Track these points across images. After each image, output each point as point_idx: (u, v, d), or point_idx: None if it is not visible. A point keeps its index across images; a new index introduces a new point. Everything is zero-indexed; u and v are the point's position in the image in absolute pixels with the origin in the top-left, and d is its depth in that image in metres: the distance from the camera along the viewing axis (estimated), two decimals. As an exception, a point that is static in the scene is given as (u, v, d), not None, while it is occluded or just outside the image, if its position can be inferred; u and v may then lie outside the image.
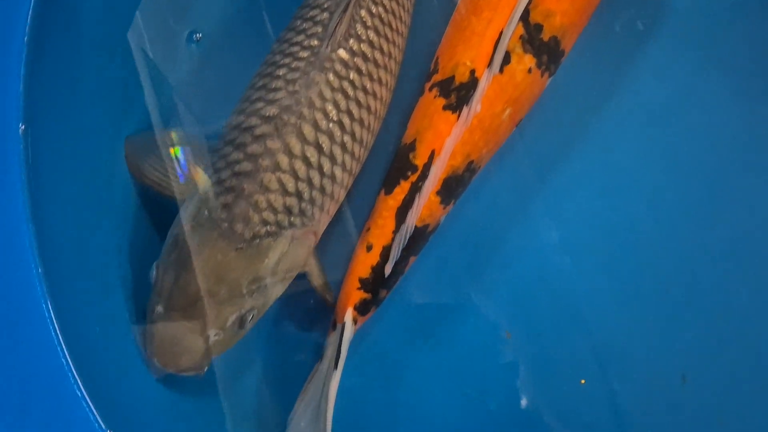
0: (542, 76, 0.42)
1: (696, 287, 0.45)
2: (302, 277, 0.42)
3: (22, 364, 0.33)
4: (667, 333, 0.45)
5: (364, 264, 0.41)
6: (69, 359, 0.33)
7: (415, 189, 0.40)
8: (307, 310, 0.45)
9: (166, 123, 0.45)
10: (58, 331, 0.34)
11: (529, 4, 0.40)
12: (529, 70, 0.41)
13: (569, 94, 0.46)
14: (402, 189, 0.41)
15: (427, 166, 0.40)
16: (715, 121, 0.47)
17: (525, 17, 0.40)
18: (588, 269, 0.46)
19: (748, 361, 0.45)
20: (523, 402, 0.45)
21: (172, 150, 0.42)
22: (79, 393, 0.33)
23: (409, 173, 0.40)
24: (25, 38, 0.36)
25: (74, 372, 0.33)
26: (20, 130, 0.36)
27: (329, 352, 0.40)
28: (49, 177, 0.37)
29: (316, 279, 0.42)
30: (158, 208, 0.43)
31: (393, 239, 0.40)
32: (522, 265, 0.45)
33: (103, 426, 0.33)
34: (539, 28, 0.41)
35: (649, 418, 0.45)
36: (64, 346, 0.34)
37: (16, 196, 0.35)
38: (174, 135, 0.43)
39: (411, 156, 0.41)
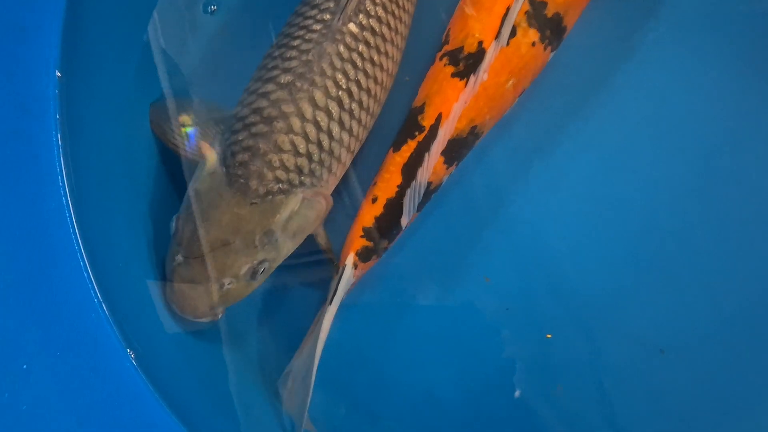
0: (545, 49, 0.44)
1: (678, 268, 0.48)
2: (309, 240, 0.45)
3: (55, 295, 0.36)
4: (648, 308, 0.48)
5: (368, 214, 0.44)
6: (97, 290, 0.37)
7: (422, 148, 0.43)
8: (314, 271, 0.48)
9: (183, 88, 0.47)
10: (88, 266, 0.37)
11: None
12: (533, 44, 0.44)
13: (572, 69, 0.48)
14: (409, 147, 0.43)
15: (434, 128, 0.43)
16: (706, 104, 0.49)
17: None
18: (579, 239, 0.48)
19: (723, 337, 0.47)
20: (515, 366, 0.47)
21: (182, 129, 0.44)
22: (103, 315, 0.36)
23: (417, 133, 0.43)
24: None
25: (101, 299, 0.36)
26: (57, 76, 0.39)
27: (330, 293, 0.43)
28: (81, 121, 0.40)
29: (322, 240, 0.45)
30: (177, 166, 0.45)
31: (397, 193, 0.43)
32: (518, 230, 0.48)
33: (124, 345, 0.36)
34: (544, 4, 0.43)
35: (631, 385, 0.47)
36: (93, 279, 0.37)
37: (51, 137, 0.38)
38: (189, 106, 0.45)
39: (420, 117, 0.43)
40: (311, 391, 0.41)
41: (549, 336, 0.46)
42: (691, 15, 0.50)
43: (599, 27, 0.49)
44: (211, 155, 0.41)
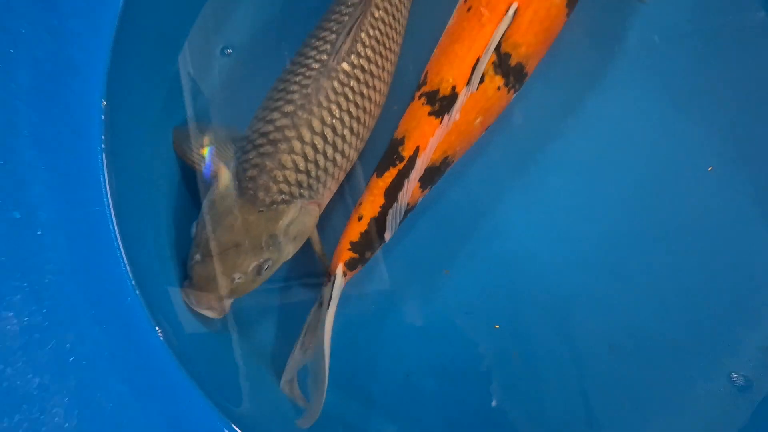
0: (509, 92, 0.52)
1: (628, 274, 0.55)
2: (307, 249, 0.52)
3: (99, 282, 0.44)
4: (599, 309, 0.55)
5: (355, 231, 0.51)
6: (132, 279, 0.45)
7: (402, 175, 0.50)
8: (309, 272, 0.55)
9: (203, 114, 0.55)
10: (125, 259, 0.45)
11: (501, 37, 0.51)
12: (498, 88, 0.51)
13: (535, 104, 0.57)
14: (390, 174, 0.51)
15: (413, 158, 0.50)
16: (654, 130, 0.57)
17: (497, 47, 0.50)
18: (540, 247, 0.56)
19: (667, 336, 0.54)
20: (483, 361, 0.55)
21: (202, 150, 0.51)
22: (137, 299, 0.45)
23: (398, 162, 0.51)
24: (112, 37, 0.47)
25: (135, 284, 0.45)
26: (102, 105, 0.47)
27: (325, 299, 0.50)
28: (121, 142, 0.48)
29: (317, 246, 0.53)
30: (195, 179, 0.53)
31: (380, 213, 0.50)
32: (488, 243, 0.55)
33: (154, 323, 0.45)
34: (508, 56, 0.51)
35: (584, 377, 0.54)
36: (130, 270, 0.45)
37: (97, 156, 0.46)
38: (208, 130, 0.53)
39: (400, 149, 0.51)
40: (326, 385, 0.48)
41: (497, 326, 0.54)
42: (637, 55, 0.58)
43: (561, 66, 0.57)
44: (224, 172, 0.49)
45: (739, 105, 0.57)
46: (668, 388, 0.53)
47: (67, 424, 0.37)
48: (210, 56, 0.56)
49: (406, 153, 0.50)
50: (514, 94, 0.53)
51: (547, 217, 0.56)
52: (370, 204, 0.50)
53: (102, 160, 0.46)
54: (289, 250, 0.50)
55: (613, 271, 0.55)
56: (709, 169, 0.56)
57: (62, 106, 0.45)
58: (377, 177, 0.51)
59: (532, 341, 0.54)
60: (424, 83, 0.52)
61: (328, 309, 0.49)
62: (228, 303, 0.48)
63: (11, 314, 0.38)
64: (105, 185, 0.46)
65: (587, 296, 0.55)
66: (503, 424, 0.53)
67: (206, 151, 0.51)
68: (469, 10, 0.52)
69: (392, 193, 0.50)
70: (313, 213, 0.50)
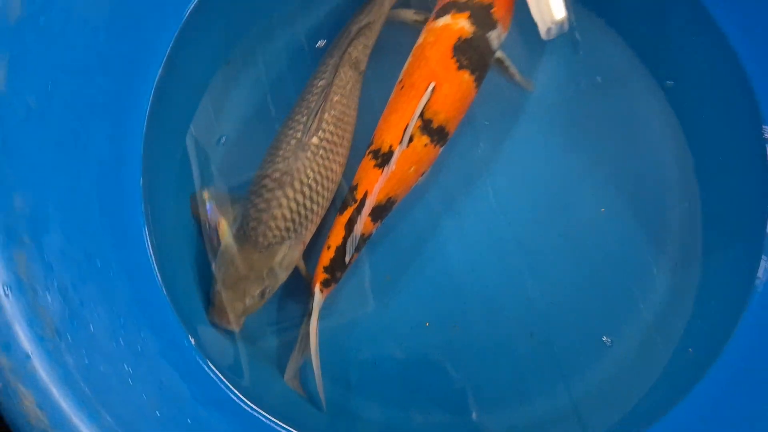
0: (435, 147, 0.68)
1: (542, 276, 0.70)
2: (296, 273, 0.67)
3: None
4: (522, 302, 0.70)
5: (326, 257, 0.66)
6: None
7: (356, 212, 0.66)
8: (299, 290, 0.68)
9: (212, 180, 0.71)
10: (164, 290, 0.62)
11: (424, 108, 0.66)
12: (425, 145, 0.67)
13: (461, 153, 0.73)
14: (348, 211, 0.66)
15: (363, 200, 0.66)
16: (555, 168, 0.74)
17: (422, 114, 0.66)
18: (475, 262, 0.71)
19: (579, 324, 0.69)
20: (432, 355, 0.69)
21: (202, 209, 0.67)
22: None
23: (353, 202, 0.66)
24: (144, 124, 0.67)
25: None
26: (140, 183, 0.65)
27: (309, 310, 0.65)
28: (156, 203, 0.66)
29: (303, 272, 0.68)
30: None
31: (342, 241, 0.65)
32: (429, 260, 0.71)
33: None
34: (430, 121, 0.67)
35: (507, 360, 0.69)
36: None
37: (137, 208, 0.65)
38: (208, 193, 0.68)
39: (354, 193, 0.66)
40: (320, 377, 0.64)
41: (427, 324, 0.69)
42: (548, 111, 0.75)
43: (480, 124, 0.74)
44: (223, 225, 0.65)
45: (620, 149, 0.74)
46: (568, 360, 0.69)
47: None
48: (209, 144, 0.72)
49: (359, 195, 0.66)
50: (441, 148, 0.69)
51: (476, 237, 0.72)
52: (335, 235, 0.66)
53: (143, 215, 0.64)
54: (283, 277, 0.65)
55: (529, 274, 0.71)
56: (602, 210, 0.72)
57: (103, 183, 0.61)
58: (339, 214, 0.67)
59: (470, 329, 0.69)
60: (371, 144, 0.69)
61: (310, 321, 0.64)
62: (242, 320, 0.64)
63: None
64: (146, 238, 0.64)
65: (510, 294, 0.70)
66: (451, 400, 0.67)
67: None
68: (402, 88, 0.69)
69: (349, 226, 0.66)
70: (299, 249, 0.66)
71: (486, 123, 0.75)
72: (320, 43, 0.72)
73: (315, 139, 0.65)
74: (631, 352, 0.68)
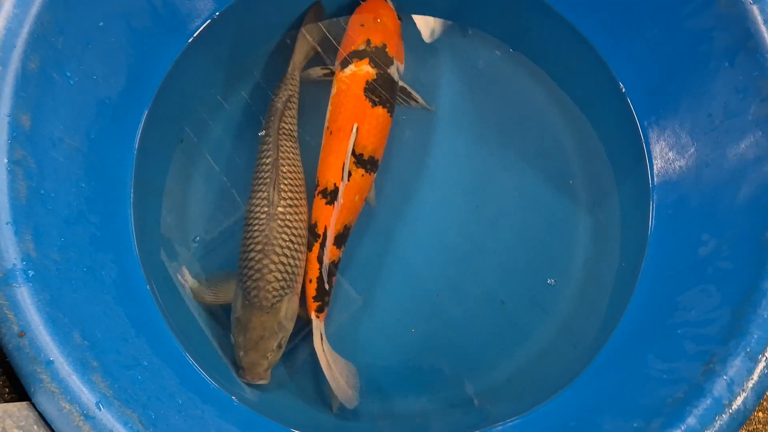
0: (369, 175, 0.81)
1: (486, 250, 0.86)
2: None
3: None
4: (481, 277, 0.85)
5: (311, 288, 0.78)
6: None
7: (321, 245, 0.78)
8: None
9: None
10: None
11: (354, 146, 0.80)
12: (362, 175, 0.80)
13: (395, 174, 0.88)
14: (315, 247, 0.79)
15: (324, 233, 0.78)
16: (477, 171, 0.88)
17: (353, 152, 0.80)
18: (429, 257, 0.85)
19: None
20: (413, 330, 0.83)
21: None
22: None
23: (317, 238, 0.79)
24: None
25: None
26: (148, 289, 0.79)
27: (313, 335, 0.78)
28: (168, 300, 0.80)
29: (301, 312, 0.78)
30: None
31: (319, 273, 0.78)
32: (389, 263, 0.84)
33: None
34: (361, 155, 0.80)
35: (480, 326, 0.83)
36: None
37: (154, 311, 0.79)
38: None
39: (315, 230, 0.79)
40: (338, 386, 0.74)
41: (413, 330, 0.81)
42: (455, 126, 0.90)
43: (399, 152, 0.89)
44: (236, 300, 0.76)
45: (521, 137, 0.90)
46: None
47: None
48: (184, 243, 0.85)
49: (320, 231, 0.79)
50: (374, 174, 0.83)
51: (427, 236, 0.86)
52: (311, 270, 0.79)
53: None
54: (290, 327, 0.75)
55: (478, 255, 0.86)
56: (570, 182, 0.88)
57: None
58: (309, 251, 0.79)
59: (444, 313, 0.84)
60: (317, 185, 0.81)
61: (314, 342, 0.77)
62: (269, 372, 0.74)
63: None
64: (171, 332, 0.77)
65: (471, 272, 0.85)
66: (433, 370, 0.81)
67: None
68: (330, 133, 0.83)
69: (320, 258, 0.79)
70: (295, 299, 0.76)
71: (408, 140, 0.90)
72: (261, 133, 0.84)
73: (280, 208, 0.76)
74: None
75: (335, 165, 0.81)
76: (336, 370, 0.75)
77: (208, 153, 0.88)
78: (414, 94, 0.88)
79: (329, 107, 0.85)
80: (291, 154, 0.81)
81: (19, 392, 0.59)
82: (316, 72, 0.89)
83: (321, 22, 0.91)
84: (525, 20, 0.92)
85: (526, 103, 0.91)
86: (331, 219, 0.80)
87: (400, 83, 0.87)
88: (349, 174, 0.80)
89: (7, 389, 0.59)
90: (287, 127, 0.83)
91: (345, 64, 0.85)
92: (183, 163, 0.87)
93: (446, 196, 0.87)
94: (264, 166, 0.80)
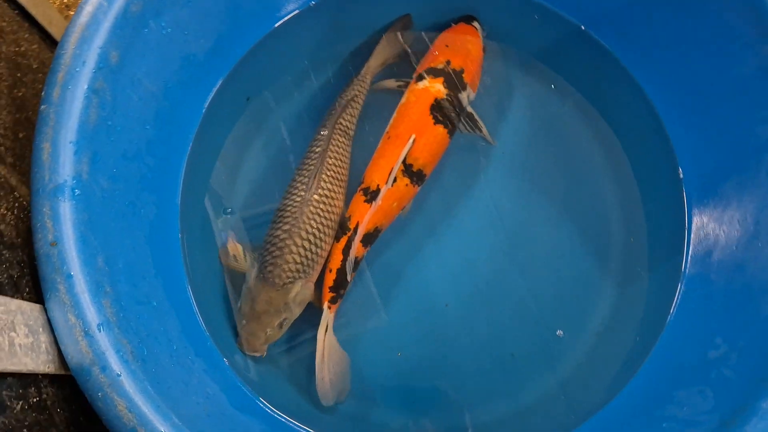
0: (413, 187, 0.83)
1: (506, 291, 0.86)
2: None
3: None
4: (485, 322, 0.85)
5: (329, 279, 0.80)
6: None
7: (350, 239, 0.80)
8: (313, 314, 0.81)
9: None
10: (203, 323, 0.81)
11: (406, 156, 0.82)
12: (406, 185, 0.83)
13: (441, 193, 0.88)
14: (344, 239, 0.80)
15: (356, 229, 0.81)
16: (515, 210, 0.89)
17: (404, 160, 0.82)
18: (448, 282, 0.85)
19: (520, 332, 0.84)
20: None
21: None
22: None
23: (347, 231, 0.81)
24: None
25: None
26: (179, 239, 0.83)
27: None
28: (193, 255, 0.82)
29: (316, 303, 0.80)
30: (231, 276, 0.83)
31: (341, 264, 0.79)
32: (409, 276, 0.85)
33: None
34: (411, 165, 0.83)
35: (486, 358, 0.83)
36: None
37: (178, 260, 0.82)
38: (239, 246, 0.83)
39: (348, 224, 0.81)
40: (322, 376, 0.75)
41: (399, 354, 0.82)
42: (514, 165, 0.90)
43: (448, 174, 0.90)
44: (240, 250, 0.80)
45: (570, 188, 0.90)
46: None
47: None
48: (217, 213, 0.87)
49: (351, 225, 0.81)
50: (419, 188, 0.85)
51: (453, 262, 0.86)
52: (334, 260, 0.81)
53: (185, 273, 0.81)
54: (297, 311, 0.77)
55: (497, 292, 0.86)
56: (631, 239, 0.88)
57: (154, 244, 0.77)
58: (336, 242, 0.82)
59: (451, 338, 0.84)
60: (362, 182, 0.84)
61: (318, 331, 0.78)
62: (265, 347, 0.75)
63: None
64: (188, 286, 0.80)
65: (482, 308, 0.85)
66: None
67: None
68: (389, 138, 0.85)
69: (345, 251, 0.80)
70: (309, 287, 0.78)
71: (461, 165, 0.91)
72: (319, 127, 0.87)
73: (316, 196, 0.78)
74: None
75: (384, 168, 0.83)
76: (328, 366, 0.76)
77: (268, 131, 0.92)
78: (480, 123, 0.90)
79: (395, 114, 0.87)
80: (341, 150, 0.84)
81: (37, 295, 0.63)
82: (390, 83, 0.92)
83: (405, 34, 0.94)
84: (604, 81, 0.93)
85: (584, 161, 0.91)
86: (365, 217, 0.82)
87: (469, 110, 0.89)
88: (395, 180, 0.83)
89: (27, 289, 0.64)
90: (344, 124, 0.86)
91: (420, 78, 0.88)
92: (244, 133, 0.92)
93: (482, 228, 0.88)
94: (312, 154, 0.83)
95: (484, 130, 0.90)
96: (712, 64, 0.83)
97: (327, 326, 0.79)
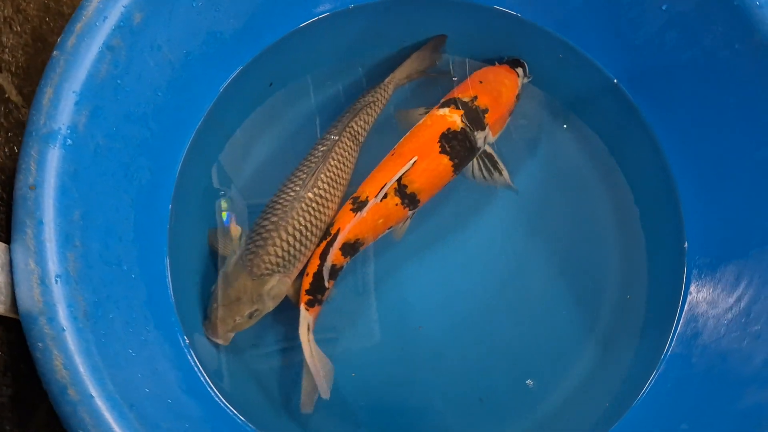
0: (404, 209, 0.82)
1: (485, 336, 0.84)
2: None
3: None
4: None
5: (306, 282, 0.79)
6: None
7: (329, 245, 0.79)
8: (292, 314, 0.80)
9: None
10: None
11: (403, 174, 0.81)
12: (396, 204, 0.81)
13: (433, 216, 0.87)
14: (323, 244, 0.80)
15: (336, 234, 0.79)
16: (515, 248, 0.87)
17: (399, 180, 0.81)
18: (428, 312, 0.84)
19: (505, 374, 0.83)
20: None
21: (223, 213, 0.83)
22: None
23: (328, 236, 0.80)
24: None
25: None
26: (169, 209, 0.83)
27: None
28: (180, 227, 0.82)
29: (292, 297, 0.80)
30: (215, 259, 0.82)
31: (318, 268, 0.78)
32: (389, 293, 0.85)
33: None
34: (405, 186, 0.81)
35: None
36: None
37: (164, 228, 0.82)
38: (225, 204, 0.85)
39: (330, 229, 0.80)
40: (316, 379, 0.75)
41: (353, 374, 0.81)
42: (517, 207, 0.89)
43: (449, 202, 0.89)
44: (236, 231, 0.80)
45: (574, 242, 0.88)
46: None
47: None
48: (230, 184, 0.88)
49: (333, 231, 0.80)
50: (410, 212, 0.83)
51: (436, 292, 0.85)
52: (312, 264, 0.80)
53: (166, 243, 0.80)
54: (270, 305, 0.76)
55: (474, 336, 0.84)
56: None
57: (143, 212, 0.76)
58: (316, 247, 0.81)
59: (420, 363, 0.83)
60: (356, 192, 0.83)
61: (300, 331, 0.77)
62: (230, 335, 0.75)
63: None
64: (167, 257, 0.80)
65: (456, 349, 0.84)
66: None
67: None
68: (392, 155, 0.84)
69: (323, 256, 0.80)
70: (286, 283, 0.77)
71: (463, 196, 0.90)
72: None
73: (310, 194, 0.78)
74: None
75: (378, 181, 0.82)
76: (317, 361, 0.76)
77: (283, 124, 0.92)
78: (500, 165, 0.88)
79: (408, 133, 0.86)
80: (346, 154, 0.84)
81: (6, 235, 0.63)
82: (418, 112, 0.90)
83: (436, 53, 0.93)
84: (627, 136, 0.91)
85: (594, 212, 0.89)
86: (347, 225, 0.81)
87: (488, 150, 0.88)
88: (385, 196, 0.81)
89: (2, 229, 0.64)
90: (355, 129, 0.85)
91: (444, 105, 0.87)
92: (260, 121, 0.91)
93: (474, 261, 0.86)
94: (316, 152, 0.83)
95: (505, 173, 0.88)
96: (739, 144, 0.80)
97: (308, 327, 0.78)
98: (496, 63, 0.93)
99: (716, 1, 0.76)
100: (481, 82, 0.89)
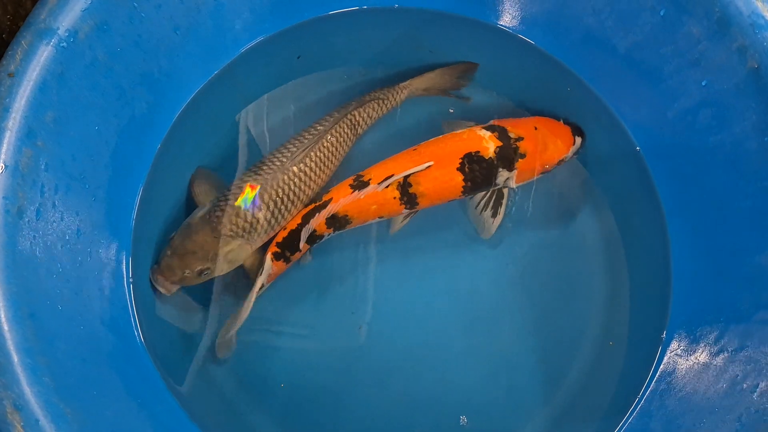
0: (399, 205, 0.78)
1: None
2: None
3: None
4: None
5: (280, 236, 0.76)
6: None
7: (315, 209, 0.76)
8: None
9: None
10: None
11: (410, 174, 0.77)
12: (394, 198, 0.77)
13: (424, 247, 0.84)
14: (311, 207, 0.76)
15: (326, 203, 0.76)
16: (508, 310, 0.82)
17: (407, 177, 0.77)
18: (403, 325, 0.81)
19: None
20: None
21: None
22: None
23: (317, 201, 0.77)
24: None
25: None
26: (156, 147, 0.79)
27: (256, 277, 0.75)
28: (161, 167, 0.79)
29: (249, 267, 0.77)
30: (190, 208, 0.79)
31: (297, 227, 0.75)
32: (368, 283, 0.82)
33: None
34: (409, 185, 0.77)
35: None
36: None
37: (145, 165, 0.78)
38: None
39: (323, 196, 0.77)
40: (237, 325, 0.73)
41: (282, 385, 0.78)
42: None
43: (445, 232, 0.85)
44: (202, 210, 0.75)
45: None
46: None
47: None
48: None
49: (325, 198, 0.77)
50: (404, 209, 0.79)
51: (419, 312, 0.82)
52: (293, 221, 0.77)
53: (143, 179, 0.78)
54: (224, 268, 0.74)
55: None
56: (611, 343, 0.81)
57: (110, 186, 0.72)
58: (304, 207, 0.78)
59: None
60: (361, 171, 0.79)
61: (256, 280, 0.74)
62: (175, 287, 0.72)
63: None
64: (139, 191, 0.77)
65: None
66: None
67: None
68: (414, 150, 0.80)
69: (307, 217, 0.76)
70: (246, 251, 0.75)
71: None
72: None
73: (295, 168, 0.75)
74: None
75: (386, 169, 0.79)
76: (246, 313, 0.74)
77: (300, 101, 0.89)
78: (502, 210, 0.83)
79: (441, 135, 0.83)
80: (341, 140, 0.81)
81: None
82: (466, 124, 0.86)
83: (464, 79, 0.89)
84: (634, 199, 0.87)
85: (583, 271, 0.85)
86: (341, 199, 0.77)
87: (504, 191, 0.83)
88: (387, 186, 0.78)
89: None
90: (357, 119, 0.82)
91: (489, 128, 0.82)
92: (276, 94, 0.89)
93: (447, 292, 0.83)
94: (312, 129, 0.80)
95: (498, 219, 0.83)
96: (740, 242, 0.74)
97: (268, 275, 0.75)
98: (562, 120, 0.86)
99: (754, 84, 0.69)
100: (536, 128, 0.83)
